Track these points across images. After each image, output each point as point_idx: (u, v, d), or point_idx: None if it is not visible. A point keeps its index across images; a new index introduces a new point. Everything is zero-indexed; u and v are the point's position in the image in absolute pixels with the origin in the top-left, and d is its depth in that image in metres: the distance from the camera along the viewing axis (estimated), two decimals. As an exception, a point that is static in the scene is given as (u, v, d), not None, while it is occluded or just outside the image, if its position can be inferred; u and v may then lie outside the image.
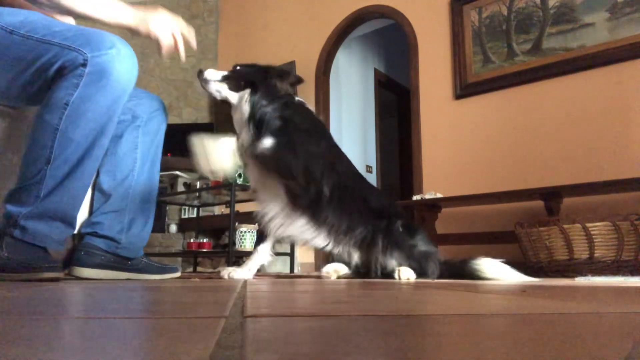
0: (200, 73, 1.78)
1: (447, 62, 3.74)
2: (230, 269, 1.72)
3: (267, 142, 1.64)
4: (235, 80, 1.77)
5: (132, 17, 1.39)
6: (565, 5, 3.20)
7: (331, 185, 1.67)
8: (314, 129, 1.77)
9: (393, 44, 5.96)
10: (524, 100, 3.32)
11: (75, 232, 1.46)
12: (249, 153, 1.69)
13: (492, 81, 3.45)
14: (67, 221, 1.32)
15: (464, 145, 3.56)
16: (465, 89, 3.60)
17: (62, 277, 1.28)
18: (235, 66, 1.84)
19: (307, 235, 1.71)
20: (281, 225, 1.69)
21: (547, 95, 3.22)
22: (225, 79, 1.78)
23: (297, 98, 1.81)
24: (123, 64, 1.27)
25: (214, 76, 1.78)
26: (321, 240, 1.71)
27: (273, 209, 1.69)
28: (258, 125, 1.69)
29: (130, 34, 1.43)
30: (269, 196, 1.70)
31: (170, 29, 1.43)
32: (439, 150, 3.70)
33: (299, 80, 1.85)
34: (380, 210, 1.77)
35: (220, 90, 1.78)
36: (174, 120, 5.18)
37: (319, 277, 1.85)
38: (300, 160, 1.63)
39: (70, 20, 1.46)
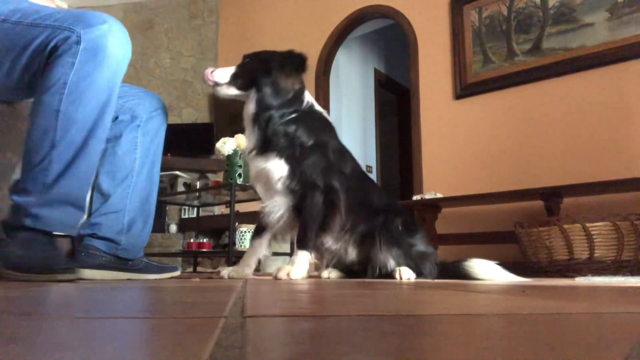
0: (206, 75, 1.71)
1: (447, 62, 3.74)
2: (229, 268, 1.71)
3: (277, 166, 1.63)
4: (241, 79, 1.72)
5: None
6: (565, 5, 3.20)
7: (336, 189, 1.67)
8: (322, 141, 1.72)
9: (393, 44, 5.96)
10: (524, 100, 3.32)
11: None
12: (252, 156, 1.68)
13: (492, 81, 3.46)
14: (78, 205, 1.30)
15: (464, 145, 3.57)
16: (465, 89, 3.60)
17: (78, 277, 1.25)
18: (244, 57, 1.79)
19: None
20: (283, 224, 1.70)
21: (547, 96, 3.22)
22: (232, 79, 1.72)
23: (305, 99, 1.75)
24: (117, 38, 1.27)
25: (222, 78, 1.72)
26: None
27: (275, 210, 1.69)
28: (264, 128, 1.65)
29: None
30: (272, 199, 1.69)
31: None
32: (439, 150, 3.70)
33: (303, 63, 1.75)
34: (381, 208, 1.77)
35: (229, 92, 1.73)
36: (174, 120, 5.18)
37: (318, 277, 1.86)
38: (305, 180, 1.63)
39: None
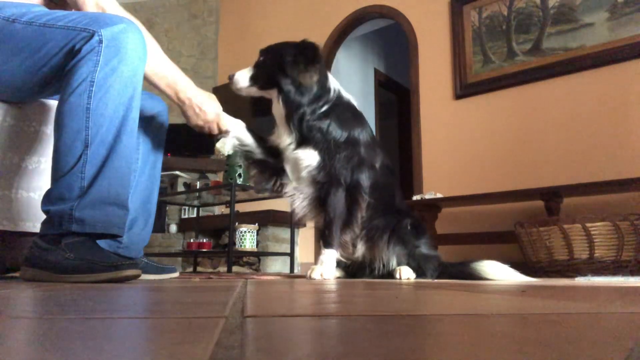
0: (230, 79, 1.74)
1: (447, 62, 3.74)
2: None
3: (309, 155, 1.65)
4: (260, 79, 1.72)
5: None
6: (565, 5, 3.20)
7: (361, 185, 1.68)
8: (354, 135, 1.70)
9: (393, 44, 5.96)
10: (523, 101, 3.33)
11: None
12: (288, 153, 1.69)
13: (492, 81, 3.46)
14: (121, 204, 1.27)
15: (464, 145, 3.57)
16: (465, 89, 3.60)
17: (141, 274, 1.21)
18: (260, 52, 1.75)
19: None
20: (306, 211, 1.74)
21: (547, 96, 3.22)
22: (252, 82, 1.72)
23: (332, 87, 1.71)
24: (135, 34, 1.28)
25: (242, 82, 1.73)
26: None
27: (299, 197, 1.72)
28: (298, 126, 1.65)
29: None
30: (298, 186, 1.73)
31: (208, 120, 1.57)
32: (439, 150, 3.70)
33: (316, 55, 1.67)
34: (397, 206, 1.79)
35: (252, 93, 1.75)
36: (174, 120, 5.14)
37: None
38: (332, 173, 1.65)
39: None
